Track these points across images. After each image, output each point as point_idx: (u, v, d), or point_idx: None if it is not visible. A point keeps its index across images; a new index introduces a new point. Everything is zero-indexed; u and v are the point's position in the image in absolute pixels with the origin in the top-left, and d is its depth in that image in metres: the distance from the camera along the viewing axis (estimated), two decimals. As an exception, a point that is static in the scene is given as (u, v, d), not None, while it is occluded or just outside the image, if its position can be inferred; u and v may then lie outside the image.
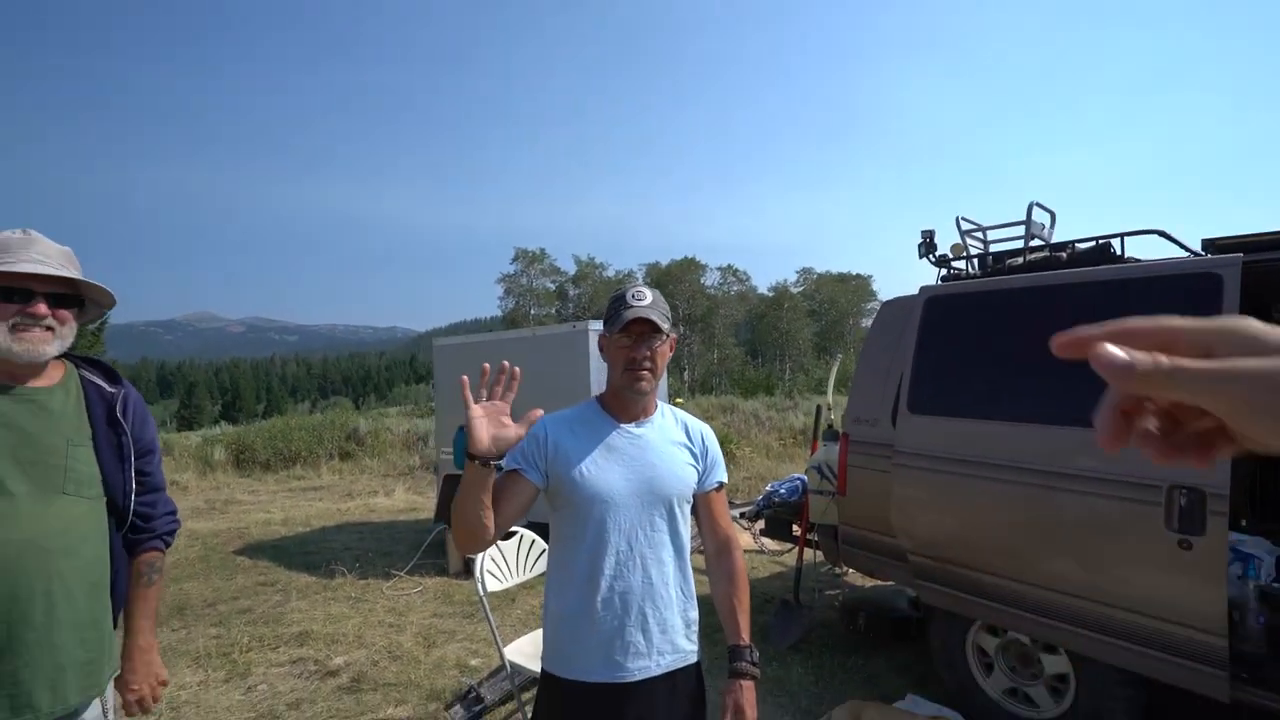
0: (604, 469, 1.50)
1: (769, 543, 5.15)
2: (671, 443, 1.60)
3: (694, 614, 1.61)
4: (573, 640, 1.48)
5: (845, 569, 3.86)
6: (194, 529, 7.31)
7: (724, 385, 35.40)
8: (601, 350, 1.58)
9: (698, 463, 1.62)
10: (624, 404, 1.57)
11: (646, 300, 1.52)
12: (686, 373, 45.19)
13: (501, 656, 2.79)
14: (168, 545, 1.63)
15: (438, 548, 5.84)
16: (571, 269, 50.01)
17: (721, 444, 7.75)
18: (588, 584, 1.48)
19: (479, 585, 2.67)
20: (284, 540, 6.68)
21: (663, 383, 6.22)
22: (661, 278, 49.18)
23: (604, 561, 1.47)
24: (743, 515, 5.01)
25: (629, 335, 1.51)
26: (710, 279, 51.68)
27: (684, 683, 1.55)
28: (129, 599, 1.56)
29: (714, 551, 1.67)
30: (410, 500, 8.79)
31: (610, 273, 51.90)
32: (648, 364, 1.51)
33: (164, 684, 1.60)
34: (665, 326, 1.52)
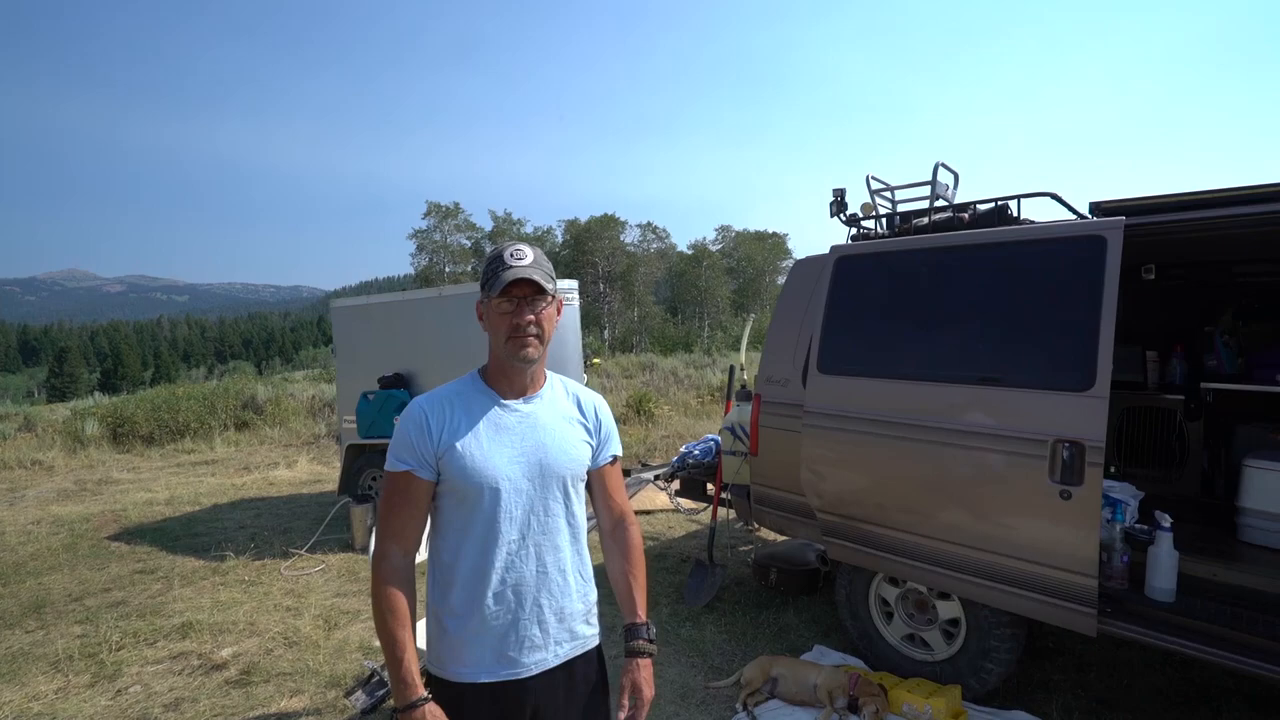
0: (491, 452, 1.36)
1: (685, 502, 5.19)
2: (563, 418, 1.47)
3: (593, 596, 1.52)
4: (460, 641, 1.35)
5: (757, 527, 3.94)
6: (59, 514, 6.58)
7: (644, 343, 35.64)
8: (480, 318, 1.42)
9: (591, 438, 1.51)
10: (509, 376, 1.42)
11: (527, 259, 1.36)
12: (606, 331, 45.08)
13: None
14: None
15: (341, 521, 5.53)
16: (489, 225, 48.21)
17: (640, 404, 7.71)
18: (476, 581, 1.35)
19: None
20: (168, 522, 6.13)
21: (576, 344, 6.09)
22: (581, 234, 48.32)
23: (494, 555, 1.35)
24: (657, 477, 5.01)
25: (510, 299, 1.35)
26: (630, 236, 51.28)
27: (583, 669, 1.47)
28: None
29: (609, 528, 1.58)
30: (314, 471, 8.30)
31: (529, 228, 50.48)
32: (533, 329, 1.36)
33: None
34: (550, 287, 1.37)
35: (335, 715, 2.88)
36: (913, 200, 3.52)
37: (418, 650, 1.33)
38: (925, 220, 3.12)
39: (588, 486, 1.54)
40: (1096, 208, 2.65)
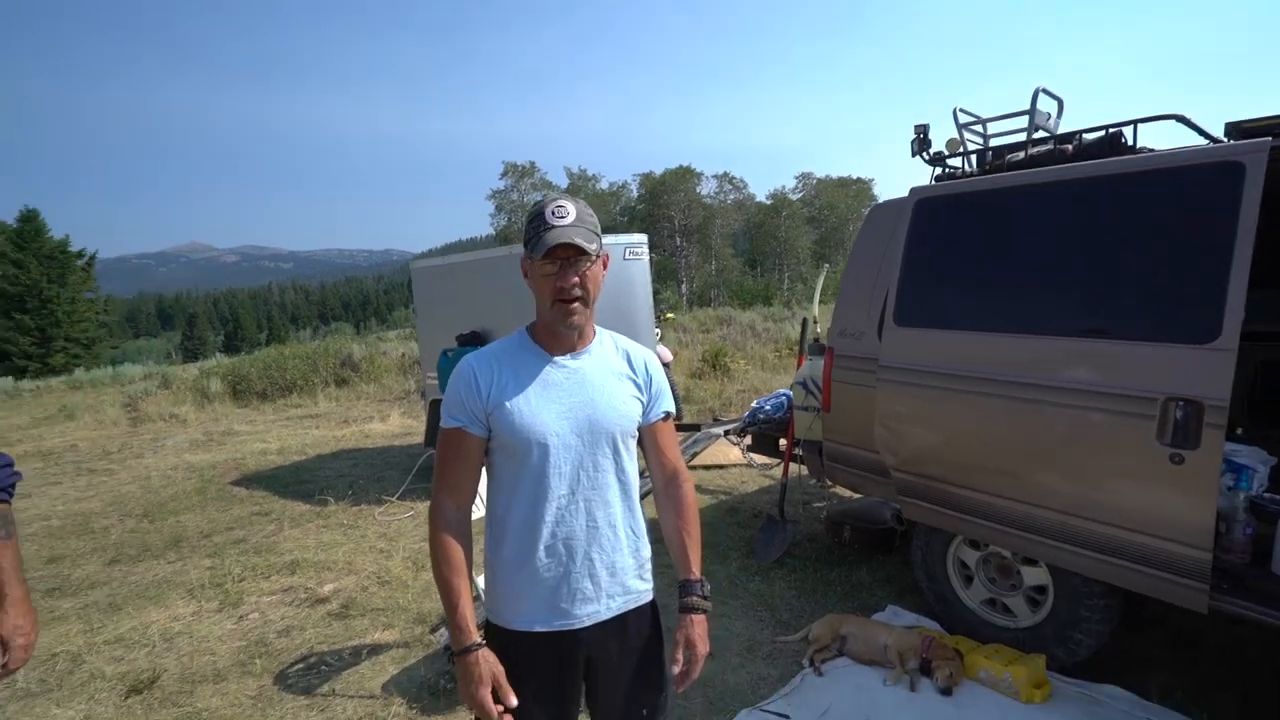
0: (539, 408, 1.36)
1: (757, 457, 5.14)
2: (612, 374, 1.45)
3: (646, 552, 1.51)
4: (515, 591, 1.39)
5: (830, 484, 3.83)
6: (191, 461, 7.37)
7: (722, 297, 35.11)
8: (525, 276, 1.40)
9: (642, 394, 1.48)
10: (555, 336, 1.41)
11: (569, 217, 1.32)
12: (684, 285, 44.69)
13: (475, 587, 2.79)
14: (10, 497, 1.53)
15: (428, 471, 5.86)
16: (564, 182, 48.37)
17: (716, 358, 7.64)
18: (527, 534, 1.37)
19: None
20: (279, 470, 6.73)
21: (646, 299, 6.04)
22: (656, 187, 47.60)
23: (544, 509, 1.36)
24: (728, 432, 4.96)
25: (553, 260, 1.32)
26: (706, 187, 49.98)
27: (637, 623, 1.48)
28: None
29: (661, 484, 1.56)
30: (405, 425, 8.82)
31: (604, 184, 50.23)
32: (578, 291, 1.33)
33: (30, 643, 1.51)
34: (593, 247, 1.32)
35: (421, 649, 3.10)
36: (1008, 134, 3.18)
37: (478, 598, 1.39)
38: (1022, 155, 2.81)
39: (640, 443, 1.52)
40: (1235, 129, 2.29)
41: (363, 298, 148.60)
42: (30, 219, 31.28)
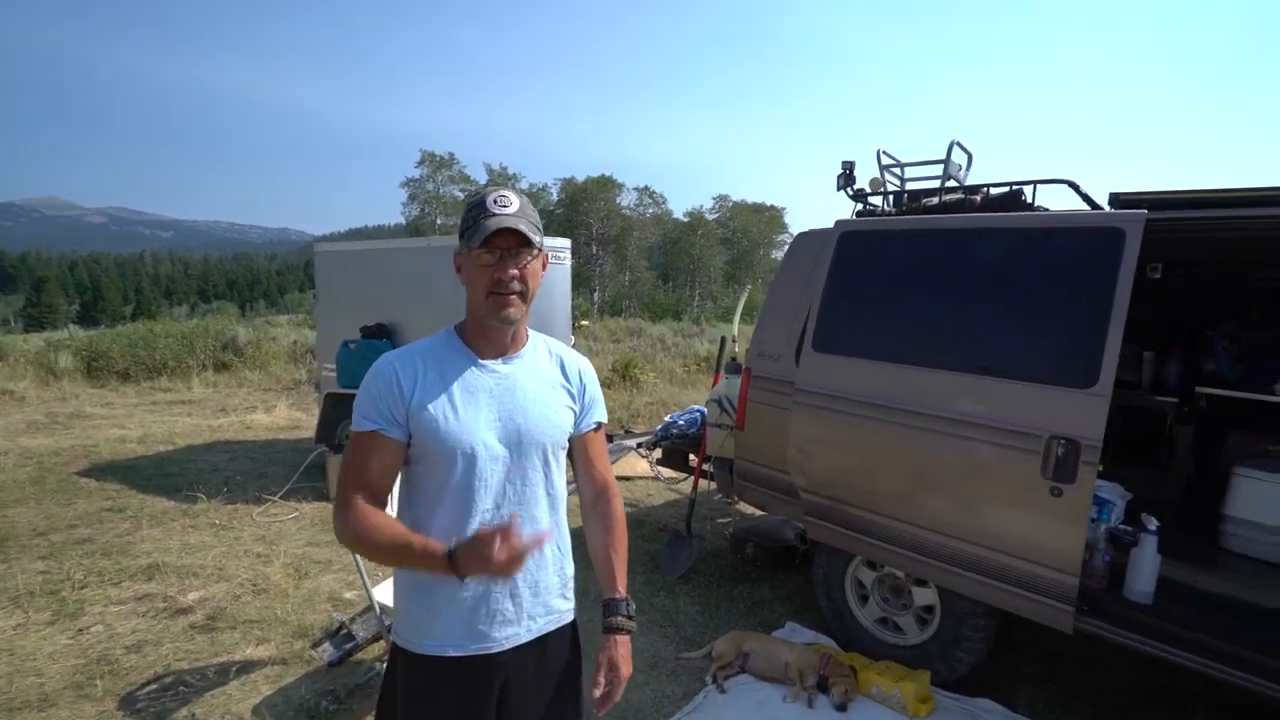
0: (466, 416, 1.26)
1: (666, 471, 5.17)
2: (545, 381, 1.38)
3: (570, 570, 1.45)
4: (427, 611, 1.28)
5: (737, 501, 3.92)
6: (28, 446, 6.43)
7: (634, 308, 35.42)
8: (458, 269, 1.30)
9: (575, 403, 1.42)
10: (488, 336, 1.32)
11: (512, 206, 1.25)
12: (596, 293, 44.73)
13: (370, 598, 2.59)
14: None
15: (318, 470, 5.45)
16: (483, 178, 47.18)
17: (625, 369, 7.59)
18: None
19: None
20: (140, 460, 6.01)
21: (565, 305, 5.95)
22: (576, 194, 47.49)
23: (466, 525, 1.26)
24: (640, 444, 4.96)
25: (491, 250, 1.24)
26: (627, 199, 50.49)
27: (557, 645, 1.41)
28: None
29: (590, 498, 1.50)
30: (293, 417, 8.17)
31: (524, 184, 49.49)
32: (516, 285, 1.25)
33: None
34: (536, 239, 1.25)
35: (301, 666, 2.84)
36: (923, 179, 3.40)
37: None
38: (935, 200, 3.01)
39: (569, 454, 1.46)
40: (1116, 199, 2.56)
41: (252, 277, 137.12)
42: None
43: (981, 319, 2.55)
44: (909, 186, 3.34)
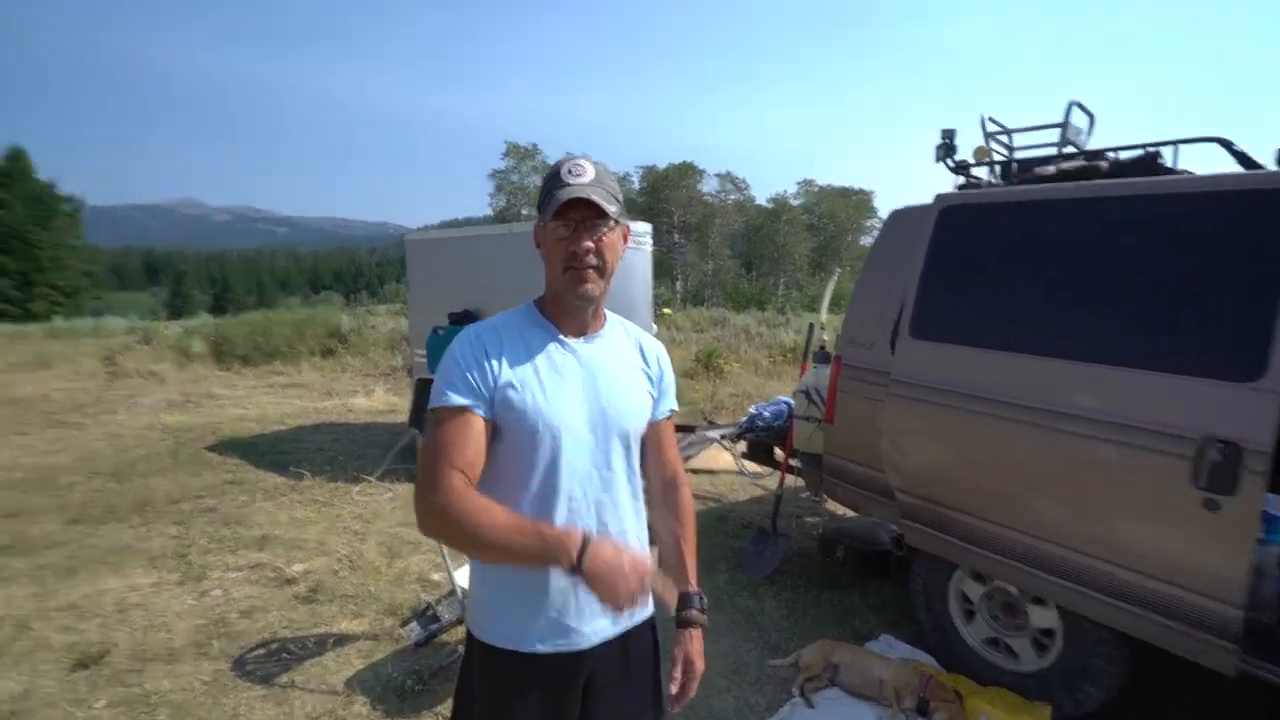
0: (554, 394, 1.19)
1: (750, 465, 5.01)
2: (626, 364, 1.30)
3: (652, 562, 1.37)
4: (514, 605, 1.22)
5: (826, 499, 3.71)
6: (167, 422, 7.14)
7: (717, 297, 34.98)
8: (538, 245, 1.23)
9: (653, 388, 1.34)
10: (568, 312, 1.24)
11: (586, 175, 1.16)
12: (679, 282, 44.52)
13: (452, 581, 2.63)
14: None
15: (410, 453, 5.69)
16: (567, 169, 47.86)
17: (709, 359, 7.44)
18: None
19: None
20: (257, 438, 6.51)
21: (646, 292, 5.88)
22: (658, 181, 47.33)
23: (553, 511, 1.19)
24: (723, 436, 4.82)
25: (566, 223, 1.16)
26: (708, 185, 49.79)
27: (639, 639, 1.34)
28: None
29: (660, 487, 1.42)
30: (390, 401, 8.61)
31: (607, 174, 49.84)
32: (593, 260, 1.17)
33: None
34: (613, 209, 1.16)
35: (390, 643, 2.94)
36: (1035, 147, 3.06)
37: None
38: (1052, 169, 2.68)
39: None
40: (1288, 158, 2.17)
41: (355, 269, 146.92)
42: (17, 158, 30.56)
43: (1115, 301, 2.23)
44: (1019, 155, 3.01)
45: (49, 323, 19.43)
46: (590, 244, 1.16)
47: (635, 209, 46.36)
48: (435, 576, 3.59)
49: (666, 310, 12.06)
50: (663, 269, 43.59)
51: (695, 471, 5.59)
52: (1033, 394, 2.34)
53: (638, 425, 1.29)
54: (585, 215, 1.15)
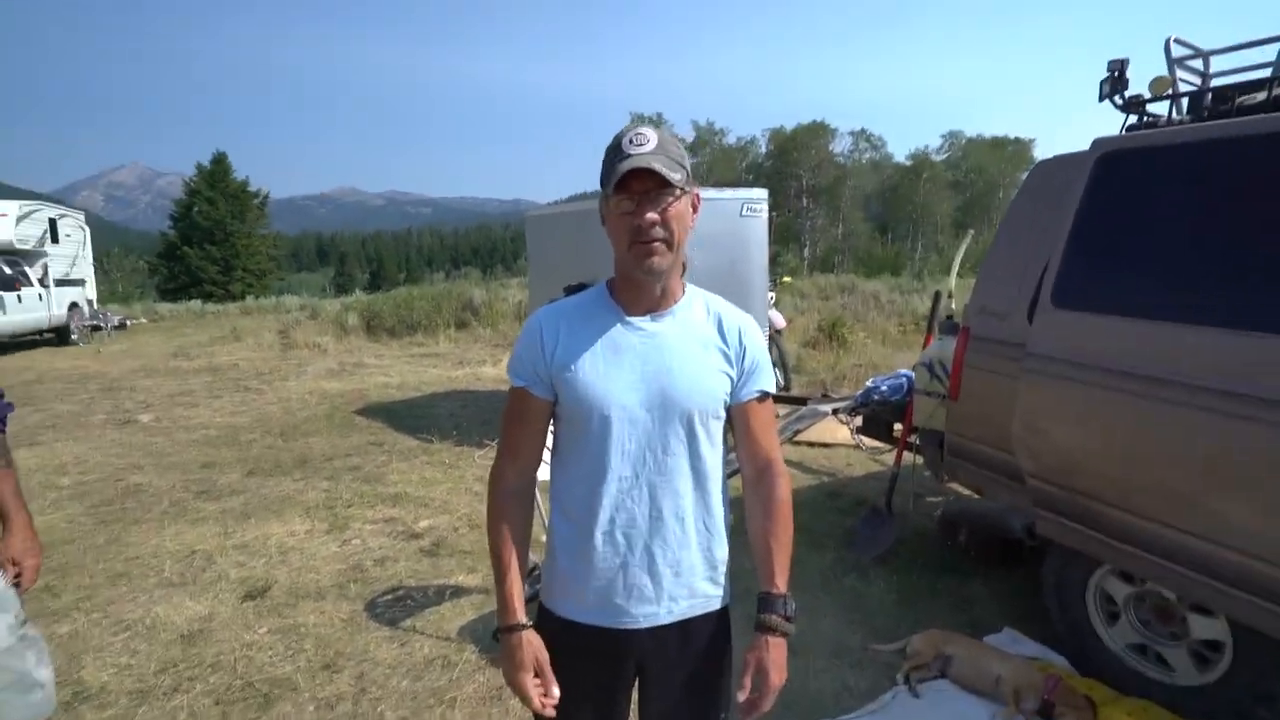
0: (606, 375, 1.18)
1: (867, 439, 4.73)
2: (698, 342, 1.23)
3: (722, 553, 1.30)
4: (569, 575, 1.25)
5: (948, 480, 3.41)
6: (325, 388, 8.06)
7: (847, 263, 33.22)
8: (604, 222, 1.20)
9: (732, 367, 1.25)
10: (636, 290, 1.21)
11: (649, 144, 1.10)
12: (807, 248, 42.73)
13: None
14: (4, 428, 1.57)
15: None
16: (690, 135, 47.33)
17: (832, 329, 7.08)
18: (585, 515, 1.21)
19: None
20: (396, 404, 7.18)
21: (761, 260, 5.66)
22: (785, 144, 45.42)
23: (602, 490, 1.19)
24: (837, 410, 4.58)
25: (629, 196, 1.11)
26: (840, 145, 46.99)
27: (701, 632, 1.28)
28: None
29: (751, 476, 1.32)
30: (514, 371, 9.12)
31: (731, 139, 48.62)
32: (659, 232, 1.12)
33: (39, 563, 1.58)
34: (677, 177, 1.10)
35: (500, 598, 3.13)
36: (1240, 71, 2.51)
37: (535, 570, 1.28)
38: (1263, 95, 2.18)
39: (729, 424, 1.30)
40: None
41: (491, 245, 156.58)
42: (220, 161, 35.55)
43: None
44: (1216, 84, 2.49)
45: (242, 301, 22.63)
46: (655, 215, 1.11)
47: (761, 174, 44.94)
48: (543, 538, 3.76)
49: (787, 279, 11.61)
50: (790, 234, 42.07)
51: (810, 444, 5.39)
52: (1210, 374, 1.94)
53: (705, 407, 1.22)
54: (649, 186, 1.10)
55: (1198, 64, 2.55)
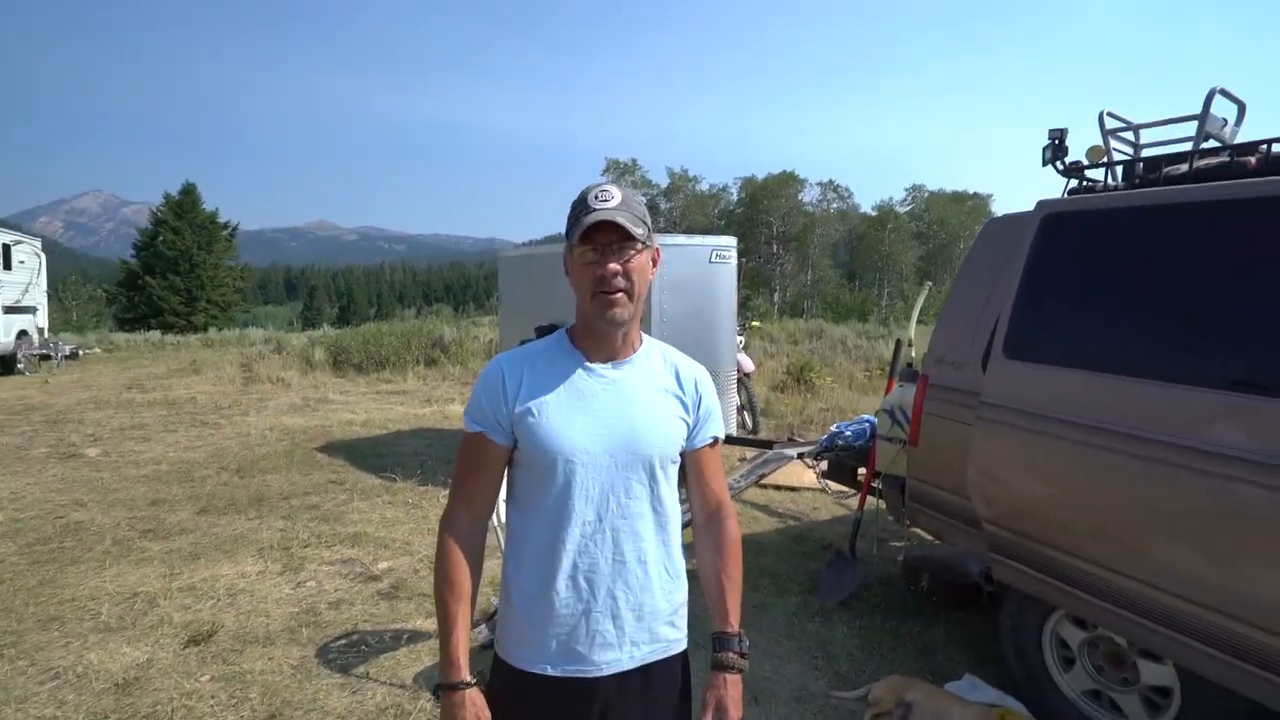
0: (569, 420, 1.20)
1: (832, 484, 4.78)
2: (657, 389, 1.28)
3: (682, 596, 1.32)
4: (528, 624, 1.23)
5: (910, 525, 3.46)
6: (287, 424, 7.85)
7: (815, 309, 33.95)
8: (567, 272, 1.24)
9: (688, 414, 1.30)
10: (597, 338, 1.24)
11: (613, 200, 1.16)
12: (777, 294, 43.62)
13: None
14: None
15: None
16: (664, 181, 48.48)
17: (800, 373, 7.19)
18: (547, 561, 1.21)
19: (495, 516, 2.52)
20: (360, 441, 7.02)
21: (730, 305, 5.77)
22: (756, 192, 46.79)
23: (566, 535, 1.20)
24: (802, 455, 4.63)
25: (593, 247, 1.16)
26: (809, 195, 48.61)
27: (663, 676, 1.29)
28: None
29: (703, 519, 1.37)
30: (483, 410, 9.02)
31: (704, 185, 49.93)
32: (621, 282, 1.16)
33: None
34: (639, 232, 1.15)
35: (459, 644, 3.04)
36: (1165, 144, 2.71)
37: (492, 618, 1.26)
38: (1185, 167, 2.36)
39: (681, 470, 1.33)
40: None
41: (464, 282, 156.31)
42: (189, 192, 35.10)
43: (1257, 319, 1.92)
44: (1145, 154, 2.68)
45: (205, 333, 22.07)
46: (617, 266, 1.16)
47: (733, 220, 46.06)
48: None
49: (756, 324, 11.83)
50: (760, 280, 42.94)
51: (777, 488, 5.41)
52: (1149, 425, 2.04)
53: (665, 452, 1.26)
54: (612, 239, 1.16)
55: (1130, 135, 2.75)
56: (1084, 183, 2.77)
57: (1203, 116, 2.48)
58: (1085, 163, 2.74)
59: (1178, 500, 1.97)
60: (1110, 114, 2.72)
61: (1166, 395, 2.02)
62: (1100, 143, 2.72)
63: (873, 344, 15.32)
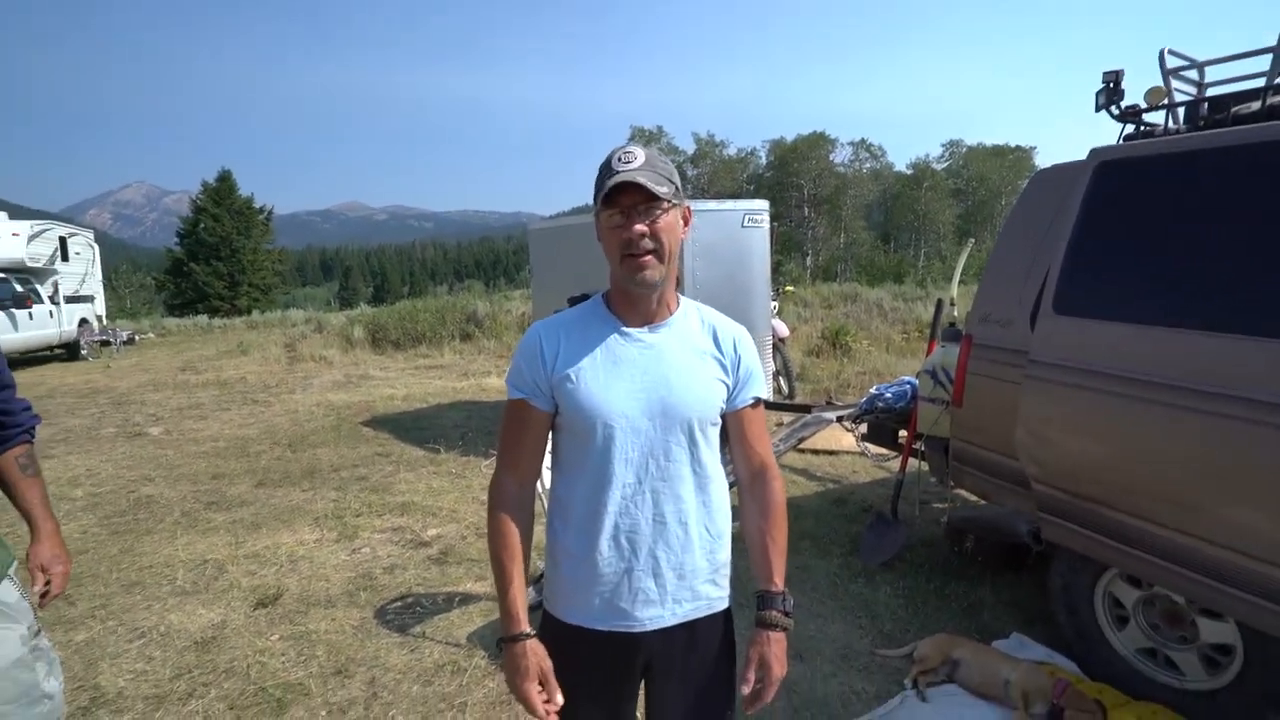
0: (606, 385, 1.22)
1: (872, 447, 4.74)
2: (694, 351, 1.28)
3: (724, 555, 1.34)
4: (574, 583, 1.28)
5: (953, 485, 3.42)
6: (332, 400, 8.10)
7: (849, 272, 33.28)
8: (599, 237, 1.24)
9: (727, 376, 1.30)
10: (632, 302, 1.25)
11: (636, 161, 1.16)
12: (809, 258, 42.82)
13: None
14: (33, 438, 1.62)
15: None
16: (691, 147, 47.60)
17: (835, 337, 7.12)
18: (589, 522, 1.25)
19: (539, 483, 2.58)
20: (403, 415, 7.21)
21: (763, 270, 5.69)
22: (786, 155, 45.62)
23: (607, 497, 1.23)
24: (841, 418, 4.59)
25: (619, 210, 1.16)
26: (840, 155, 47.19)
27: (706, 632, 1.32)
28: (18, 494, 1.57)
29: (746, 480, 1.37)
30: (519, 382, 9.15)
31: (731, 150, 48.88)
32: (649, 244, 1.16)
33: (68, 570, 1.60)
34: (664, 191, 1.15)
35: (509, 606, 3.15)
36: (1234, 81, 2.55)
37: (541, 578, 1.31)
38: (1257, 105, 2.22)
39: (723, 432, 1.34)
40: None
41: (494, 257, 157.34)
42: (225, 179, 35.88)
43: None
44: (1211, 94, 2.53)
45: (249, 316, 22.78)
46: (643, 228, 1.16)
47: (762, 185, 45.13)
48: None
49: (790, 288, 11.66)
50: (792, 244, 42.18)
51: (815, 452, 5.40)
52: (1212, 379, 1.95)
53: (704, 415, 1.26)
54: (636, 200, 1.15)
55: (1193, 74, 2.59)
56: (1141, 128, 2.63)
57: (1279, 49, 2.31)
58: (1144, 105, 2.60)
59: (1245, 455, 1.90)
60: (1171, 51, 2.57)
61: (1231, 348, 1.94)
62: (1160, 83, 2.57)
63: (910, 306, 14.99)
